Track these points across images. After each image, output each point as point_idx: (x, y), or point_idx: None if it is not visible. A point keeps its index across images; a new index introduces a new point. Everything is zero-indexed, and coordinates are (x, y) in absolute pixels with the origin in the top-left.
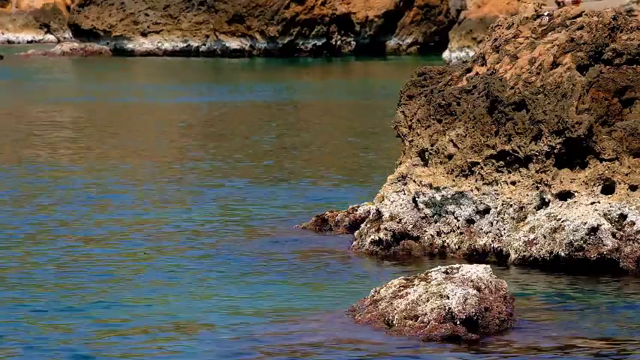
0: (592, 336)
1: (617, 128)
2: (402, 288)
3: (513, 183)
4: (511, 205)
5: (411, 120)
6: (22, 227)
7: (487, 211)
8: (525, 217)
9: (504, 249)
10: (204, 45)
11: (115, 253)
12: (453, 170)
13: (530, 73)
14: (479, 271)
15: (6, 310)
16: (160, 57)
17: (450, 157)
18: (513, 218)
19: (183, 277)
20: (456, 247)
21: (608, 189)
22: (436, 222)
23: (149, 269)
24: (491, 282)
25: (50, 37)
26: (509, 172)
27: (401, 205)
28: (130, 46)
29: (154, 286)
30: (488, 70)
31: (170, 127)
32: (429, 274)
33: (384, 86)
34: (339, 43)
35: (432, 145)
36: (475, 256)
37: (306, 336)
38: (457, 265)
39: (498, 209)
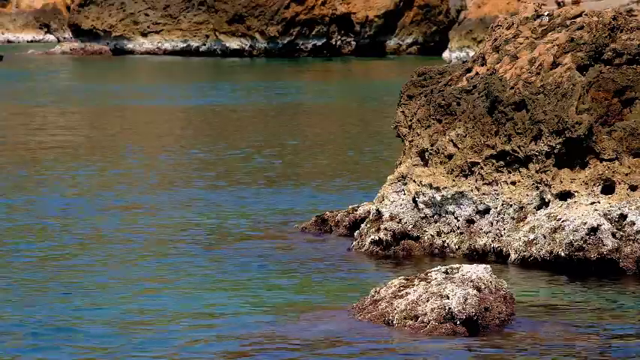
0: (592, 336)
1: (617, 128)
2: (402, 288)
3: (513, 183)
4: (511, 205)
5: (411, 120)
6: (21, 226)
7: (487, 211)
8: (525, 217)
9: (504, 249)
10: (205, 45)
11: (116, 255)
12: (453, 170)
13: (530, 73)
14: (479, 271)
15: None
16: (159, 56)
17: (450, 157)
18: (513, 218)
19: (183, 277)
20: (456, 247)
21: (608, 189)
22: (436, 222)
23: (151, 269)
24: (491, 282)
25: (50, 37)
26: (509, 172)
27: (401, 205)
28: (130, 46)
29: (157, 284)
30: (488, 70)
31: (168, 128)
32: (429, 274)
33: (384, 86)
34: (339, 43)
35: (432, 145)
36: (475, 256)
37: (306, 336)
38: (457, 265)
39: (498, 209)
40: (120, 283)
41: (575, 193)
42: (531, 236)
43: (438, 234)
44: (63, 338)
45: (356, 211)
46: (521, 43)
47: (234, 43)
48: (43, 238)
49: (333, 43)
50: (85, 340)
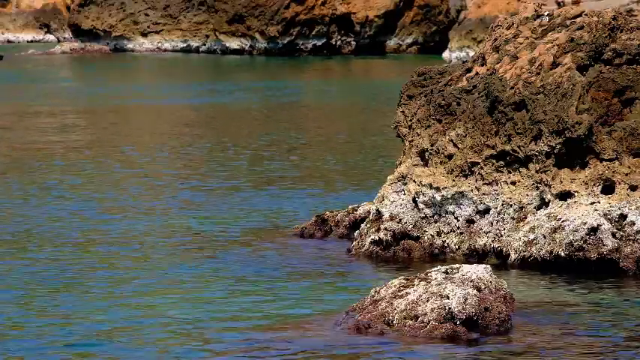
0: (592, 336)
1: (617, 128)
2: (402, 288)
3: (513, 183)
4: (511, 205)
5: (411, 120)
6: (23, 228)
7: (487, 211)
8: (525, 217)
9: (504, 249)
10: (205, 45)
11: (114, 257)
12: (453, 170)
13: (530, 73)
14: (479, 271)
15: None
16: (159, 53)
17: (450, 157)
18: (513, 218)
19: (181, 280)
20: (456, 247)
21: (608, 189)
22: (436, 222)
23: (147, 273)
24: (491, 282)
25: (50, 37)
26: (509, 172)
27: (401, 205)
28: (130, 46)
29: (152, 289)
30: (488, 70)
31: (167, 128)
32: (429, 274)
33: (384, 86)
34: (339, 43)
35: (432, 145)
36: (475, 256)
37: (307, 336)
38: (457, 265)
39: (498, 209)
40: (116, 288)
41: (575, 193)
42: (531, 236)
43: (438, 234)
44: (59, 344)
45: (356, 211)
46: (521, 43)
47: (234, 43)
48: (42, 240)
49: (333, 43)
50: (78, 347)
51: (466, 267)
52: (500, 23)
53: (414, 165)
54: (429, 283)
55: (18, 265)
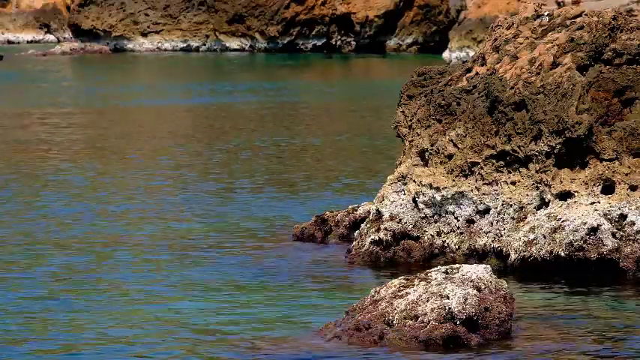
0: (592, 336)
1: (617, 128)
2: (402, 288)
3: (513, 183)
4: (511, 205)
5: (411, 120)
6: (21, 229)
7: (487, 211)
8: (525, 217)
9: (504, 249)
10: (205, 45)
11: (111, 260)
12: (453, 170)
13: (530, 73)
14: (479, 271)
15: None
16: (160, 52)
17: (450, 157)
18: (513, 218)
19: (182, 283)
20: (456, 247)
21: (608, 189)
22: (436, 222)
23: (145, 276)
24: (491, 282)
25: (50, 37)
26: (509, 172)
27: (401, 205)
28: (130, 46)
29: (145, 294)
30: (488, 70)
31: (167, 128)
32: (429, 274)
33: (384, 85)
34: (339, 43)
35: (432, 145)
36: (475, 256)
37: (306, 337)
38: (457, 265)
39: (498, 209)
40: (111, 293)
41: (575, 193)
42: (531, 236)
43: (438, 234)
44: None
45: (356, 211)
46: (521, 43)
47: (234, 43)
48: (41, 241)
49: (333, 43)
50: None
51: (466, 267)
52: (500, 23)
53: (414, 165)
54: (429, 283)
55: (16, 267)
